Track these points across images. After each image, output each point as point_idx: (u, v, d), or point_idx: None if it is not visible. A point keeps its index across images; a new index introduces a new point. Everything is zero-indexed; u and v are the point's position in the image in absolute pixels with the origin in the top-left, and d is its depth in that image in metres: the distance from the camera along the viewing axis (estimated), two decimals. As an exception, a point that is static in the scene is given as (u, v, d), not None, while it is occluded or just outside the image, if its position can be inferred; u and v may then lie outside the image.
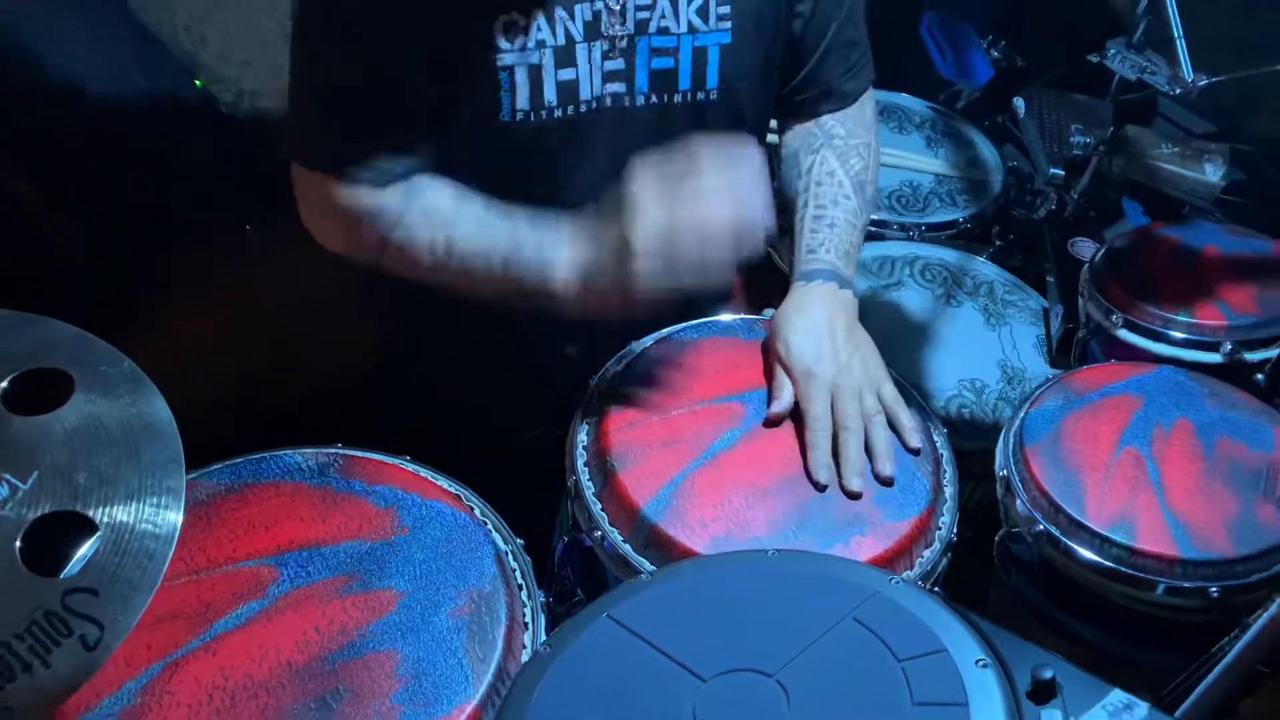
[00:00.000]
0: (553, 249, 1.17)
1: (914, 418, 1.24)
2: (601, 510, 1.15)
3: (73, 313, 0.92)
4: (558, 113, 1.23)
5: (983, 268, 1.95)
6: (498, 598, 0.99)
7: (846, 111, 1.43)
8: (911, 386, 1.32)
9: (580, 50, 1.21)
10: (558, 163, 1.27)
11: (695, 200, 1.09)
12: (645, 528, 1.10)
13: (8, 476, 0.80)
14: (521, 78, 1.20)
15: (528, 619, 1.01)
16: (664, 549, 1.09)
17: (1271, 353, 1.57)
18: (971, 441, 1.48)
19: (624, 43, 1.23)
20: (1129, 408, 1.34)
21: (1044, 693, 0.79)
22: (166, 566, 0.81)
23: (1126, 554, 1.19)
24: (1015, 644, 0.83)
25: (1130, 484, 1.25)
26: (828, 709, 0.78)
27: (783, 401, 1.22)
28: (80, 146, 1.75)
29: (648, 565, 1.10)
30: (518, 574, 1.05)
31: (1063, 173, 2.09)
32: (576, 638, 0.86)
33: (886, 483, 1.17)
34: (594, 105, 1.25)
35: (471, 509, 1.09)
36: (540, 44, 1.19)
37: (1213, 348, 1.57)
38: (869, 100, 1.46)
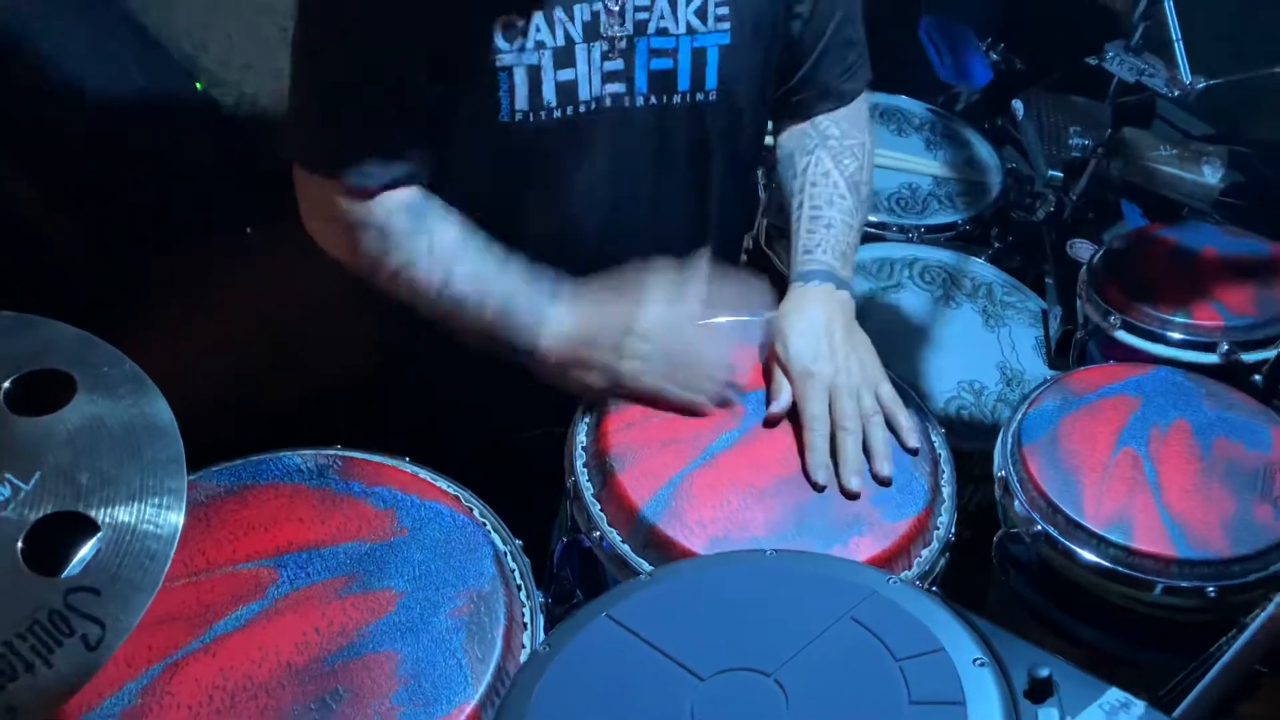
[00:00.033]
0: (545, 309, 1.22)
1: (912, 418, 1.24)
2: (600, 511, 1.15)
3: (72, 313, 0.92)
4: (557, 113, 1.23)
5: (981, 269, 1.96)
6: (497, 598, 0.99)
7: (841, 112, 1.44)
8: (910, 388, 1.32)
9: (579, 51, 1.22)
10: (557, 163, 1.28)
11: (704, 320, 1.20)
12: (644, 528, 1.11)
13: (10, 477, 0.80)
14: (520, 78, 1.20)
15: (526, 619, 1.02)
16: (663, 550, 1.10)
17: (1269, 353, 1.57)
18: (970, 443, 1.48)
19: (623, 43, 1.23)
20: (1127, 408, 1.35)
21: (1041, 691, 0.79)
22: (168, 566, 0.82)
23: (1124, 554, 1.20)
24: (1012, 643, 0.83)
25: (1128, 484, 1.25)
26: (825, 708, 0.78)
27: (781, 402, 1.22)
28: (80, 146, 1.76)
29: (646, 566, 1.10)
30: (516, 574, 1.05)
31: (1061, 175, 2.10)
32: (575, 637, 0.86)
33: (884, 483, 1.17)
34: (593, 106, 1.25)
35: (470, 510, 1.09)
36: (539, 45, 1.19)
37: (1210, 349, 1.57)
38: (863, 100, 1.47)
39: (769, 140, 1.50)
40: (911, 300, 1.87)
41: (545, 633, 1.02)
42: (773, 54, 1.35)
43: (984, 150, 2.25)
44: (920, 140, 2.27)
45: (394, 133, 1.22)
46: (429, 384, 1.45)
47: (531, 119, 1.22)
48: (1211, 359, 1.57)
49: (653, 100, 1.28)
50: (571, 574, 1.20)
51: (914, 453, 1.22)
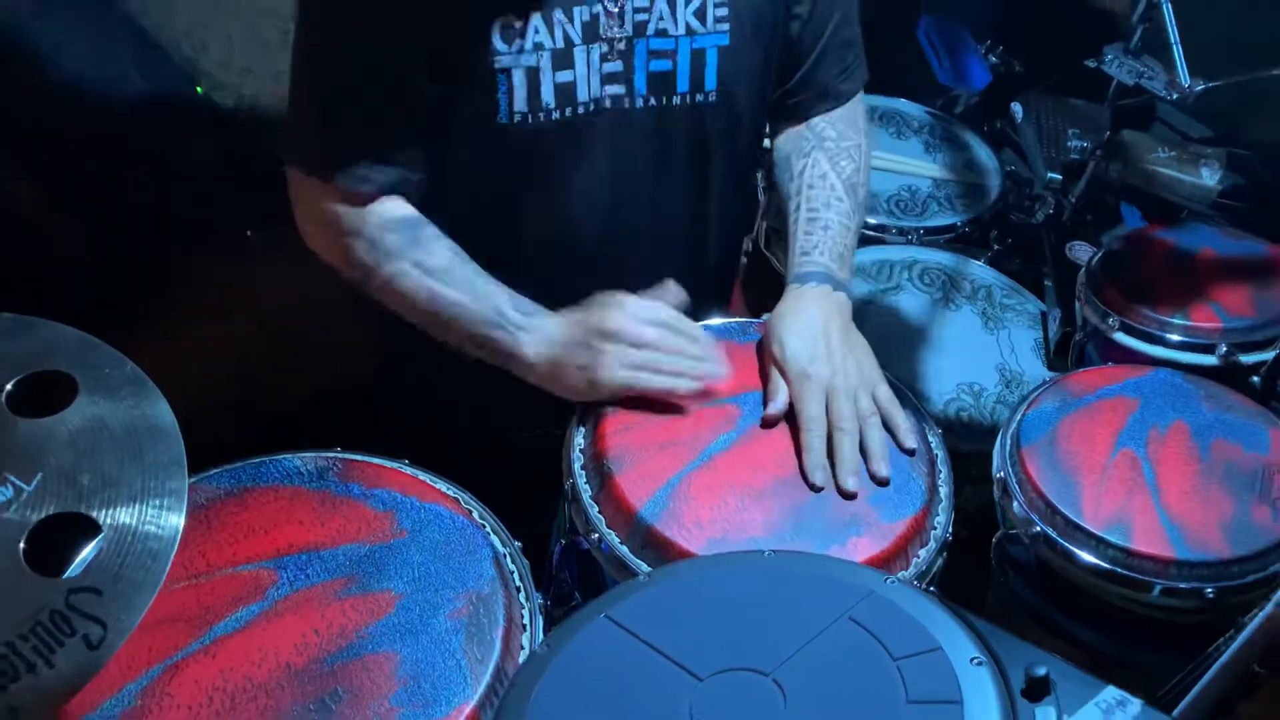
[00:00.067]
0: (527, 324, 1.23)
1: (909, 419, 1.24)
2: (599, 513, 1.15)
3: (73, 314, 0.92)
4: (555, 115, 1.23)
5: (981, 271, 1.96)
6: (496, 599, 0.99)
7: (837, 113, 1.44)
8: (909, 389, 1.32)
9: (579, 52, 1.22)
10: (556, 165, 1.28)
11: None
12: (642, 530, 1.11)
13: (12, 478, 0.81)
14: (519, 80, 1.20)
15: (525, 621, 1.02)
16: (661, 551, 1.10)
17: (1267, 355, 1.57)
18: (969, 444, 1.48)
19: (622, 45, 1.24)
20: (1125, 410, 1.35)
21: (1038, 690, 0.79)
22: (169, 567, 0.82)
23: (1123, 555, 1.20)
24: (1010, 642, 0.83)
25: (1126, 485, 1.25)
26: (823, 707, 0.78)
27: (778, 403, 1.22)
28: (80, 147, 1.76)
29: (645, 567, 1.10)
30: (516, 576, 1.05)
31: (1060, 177, 2.10)
32: (574, 638, 0.87)
33: (882, 483, 1.17)
34: (592, 107, 1.25)
35: (470, 512, 1.09)
36: (538, 46, 1.20)
37: (1208, 350, 1.58)
38: (859, 101, 1.47)
39: (767, 143, 1.50)
40: (911, 302, 1.87)
41: (544, 634, 1.02)
42: (772, 55, 1.35)
43: (983, 153, 2.25)
44: (919, 143, 2.27)
45: (392, 137, 1.23)
46: (429, 385, 1.45)
47: (530, 120, 1.23)
48: (1210, 361, 1.57)
49: (652, 102, 1.28)
50: (570, 576, 1.20)
51: (911, 453, 1.22)
